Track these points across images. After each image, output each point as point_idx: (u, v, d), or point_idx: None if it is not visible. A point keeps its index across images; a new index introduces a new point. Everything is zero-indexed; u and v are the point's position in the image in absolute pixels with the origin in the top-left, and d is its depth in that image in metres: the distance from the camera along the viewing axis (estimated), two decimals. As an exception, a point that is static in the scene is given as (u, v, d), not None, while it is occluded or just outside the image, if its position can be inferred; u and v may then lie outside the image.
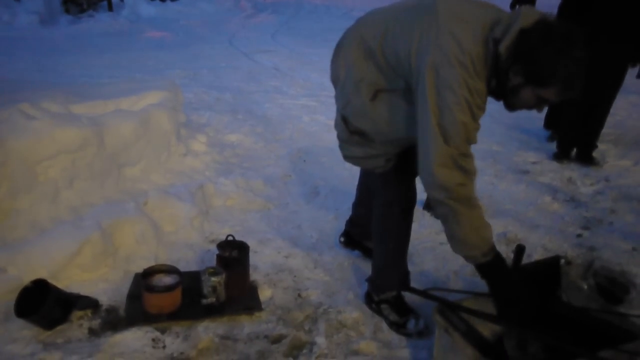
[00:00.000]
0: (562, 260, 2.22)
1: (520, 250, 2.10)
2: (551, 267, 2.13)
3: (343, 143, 2.24)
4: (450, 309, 1.90)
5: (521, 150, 4.74)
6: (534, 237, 3.12)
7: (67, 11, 14.82)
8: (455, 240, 1.91)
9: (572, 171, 4.25)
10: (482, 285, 2.60)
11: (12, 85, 4.15)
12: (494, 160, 4.47)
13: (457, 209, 1.82)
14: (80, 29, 13.05)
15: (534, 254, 2.90)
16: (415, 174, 2.21)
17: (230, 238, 2.52)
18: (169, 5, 16.16)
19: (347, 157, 2.27)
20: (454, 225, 1.86)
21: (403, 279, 2.41)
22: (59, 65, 8.16)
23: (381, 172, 2.20)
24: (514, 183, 4.00)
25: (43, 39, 10.99)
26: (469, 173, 1.83)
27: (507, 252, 2.92)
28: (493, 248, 1.91)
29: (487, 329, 1.94)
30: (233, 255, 2.43)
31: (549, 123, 5.13)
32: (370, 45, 1.97)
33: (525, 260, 2.11)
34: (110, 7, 15.57)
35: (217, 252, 2.46)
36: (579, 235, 3.19)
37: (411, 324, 2.30)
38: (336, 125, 2.24)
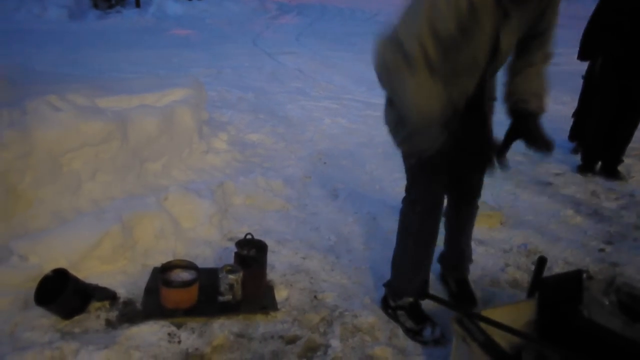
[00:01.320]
0: (584, 275, 2.17)
1: (542, 262, 2.07)
2: (573, 281, 2.09)
3: (391, 127, 2.18)
4: (469, 318, 1.87)
5: (544, 162, 4.67)
6: (556, 250, 3.08)
7: (96, 6, 15.07)
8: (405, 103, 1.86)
9: (596, 185, 4.18)
10: (500, 296, 2.58)
11: (40, 77, 4.22)
12: (516, 170, 4.42)
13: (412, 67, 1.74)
14: (107, 24, 13.24)
15: (555, 267, 2.86)
16: (443, 173, 2.17)
17: (249, 237, 2.52)
18: (195, 3, 16.31)
19: (399, 144, 2.20)
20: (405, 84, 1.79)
21: (421, 286, 2.37)
22: (86, 59, 8.29)
23: (410, 166, 2.18)
24: (536, 194, 3.95)
25: (71, 33, 11.17)
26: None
27: (527, 264, 2.89)
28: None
29: (505, 341, 1.91)
30: (251, 254, 2.43)
31: (573, 135, 5.06)
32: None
33: (545, 273, 2.08)
34: (137, 4, 15.78)
35: (235, 250, 2.47)
36: (602, 250, 3.13)
37: (427, 332, 2.27)
38: (385, 113, 2.18)
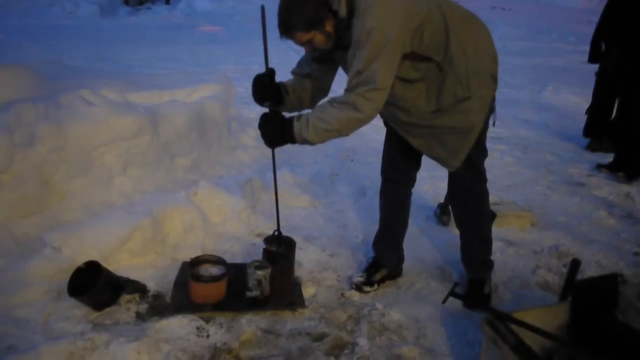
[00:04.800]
0: (619, 279, 2.12)
1: (575, 264, 2.02)
2: (608, 285, 2.04)
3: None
4: (500, 320, 1.84)
5: (577, 162, 4.58)
6: (588, 252, 3.01)
7: (127, 3, 15.28)
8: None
9: (630, 186, 4.07)
10: (530, 299, 2.54)
11: (74, 72, 4.28)
12: (547, 170, 4.34)
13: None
14: (138, 20, 13.42)
15: (588, 270, 2.79)
16: (385, 162, 2.55)
17: (277, 233, 2.52)
18: (224, 0, 16.40)
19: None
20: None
21: (380, 255, 2.65)
22: (117, 54, 8.41)
23: None
24: (567, 195, 3.87)
25: (103, 29, 11.35)
26: None
27: (558, 266, 2.83)
28: None
29: (536, 344, 1.87)
30: (279, 250, 2.43)
31: (587, 131, 4.95)
32: None
33: (578, 276, 2.03)
34: (167, 1, 15.94)
35: (263, 246, 2.47)
36: (636, 254, 3.05)
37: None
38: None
